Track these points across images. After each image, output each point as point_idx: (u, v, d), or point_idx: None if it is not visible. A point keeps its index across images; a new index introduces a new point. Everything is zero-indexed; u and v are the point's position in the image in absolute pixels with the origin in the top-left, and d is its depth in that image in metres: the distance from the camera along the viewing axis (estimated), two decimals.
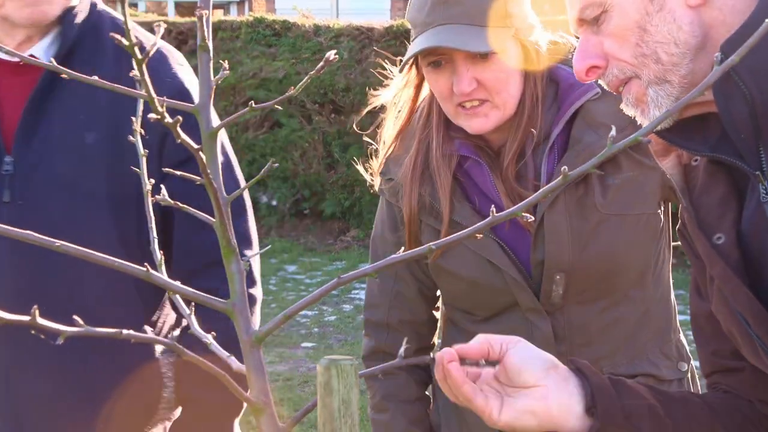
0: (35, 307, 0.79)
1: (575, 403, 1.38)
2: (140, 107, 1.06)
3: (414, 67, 2.01)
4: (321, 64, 0.79)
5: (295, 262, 9.39)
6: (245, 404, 0.97)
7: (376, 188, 2.13)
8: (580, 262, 1.91)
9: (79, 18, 1.93)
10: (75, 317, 0.87)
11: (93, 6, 1.99)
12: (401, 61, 1.99)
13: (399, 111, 2.07)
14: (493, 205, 1.94)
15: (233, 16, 17.84)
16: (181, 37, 10.62)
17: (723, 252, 1.35)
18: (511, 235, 1.95)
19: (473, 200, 1.98)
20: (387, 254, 2.02)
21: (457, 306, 2.09)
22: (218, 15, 14.35)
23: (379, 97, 2.10)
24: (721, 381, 1.51)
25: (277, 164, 0.81)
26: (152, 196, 0.98)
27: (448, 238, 0.95)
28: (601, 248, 1.92)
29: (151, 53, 0.79)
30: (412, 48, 1.90)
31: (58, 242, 0.79)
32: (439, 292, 2.16)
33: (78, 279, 1.90)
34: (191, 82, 2.01)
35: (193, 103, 2.11)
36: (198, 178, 0.85)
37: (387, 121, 2.09)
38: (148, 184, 0.96)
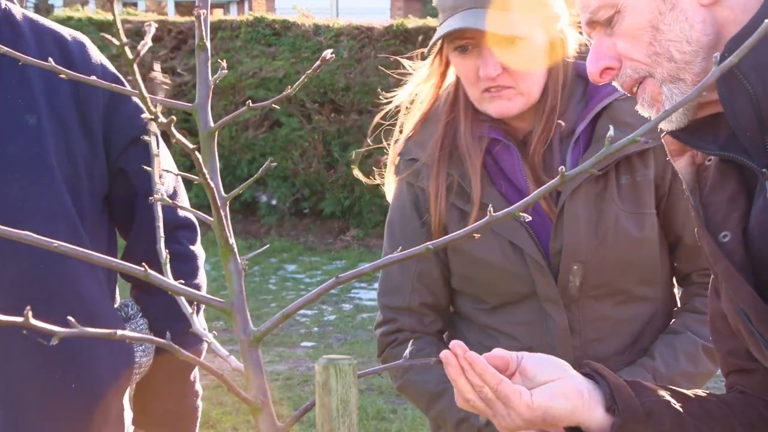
0: (28, 308, 0.79)
1: (596, 402, 1.39)
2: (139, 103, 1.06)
3: (438, 56, 2.04)
4: (317, 63, 0.79)
5: (294, 262, 9.39)
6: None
7: (387, 177, 2.12)
8: (597, 255, 1.95)
9: None
10: (69, 318, 0.87)
11: None
12: (422, 55, 2.03)
13: (422, 99, 2.09)
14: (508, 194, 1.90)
15: (233, 15, 17.84)
16: (180, 37, 10.62)
17: (728, 249, 1.35)
18: (532, 222, 1.97)
19: (499, 185, 2.00)
20: (408, 237, 2.04)
21: (468, 292, 2.08)
22: (218, 14, 14.35)
23: (399, 94, 2.11)
24: (737, 381, 1.52)
25: (275, 164, 0.81)
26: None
27: (444, 237, 0.95)
28: (618, 243, 1.95)
29: (143, 52, 0.79)
30: (441, 30, 1.93)
31: (56, 243, 0.79)
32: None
33: (56, 265, 1.92)
34: (112, 66, 2.07)
35: (124, 86, 2.13)
36: (195, 176, 0.85)
37: (412, 108, 2.10)
38: (158, 183, 0.96)
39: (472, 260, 2.01)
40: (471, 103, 2.01)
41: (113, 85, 0.84)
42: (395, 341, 2.12)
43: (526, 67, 1.93)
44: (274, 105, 0.84)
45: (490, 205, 0.93)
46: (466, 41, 1.93)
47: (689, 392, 1.49)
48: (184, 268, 2.08)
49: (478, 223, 0.92)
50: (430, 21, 10.52)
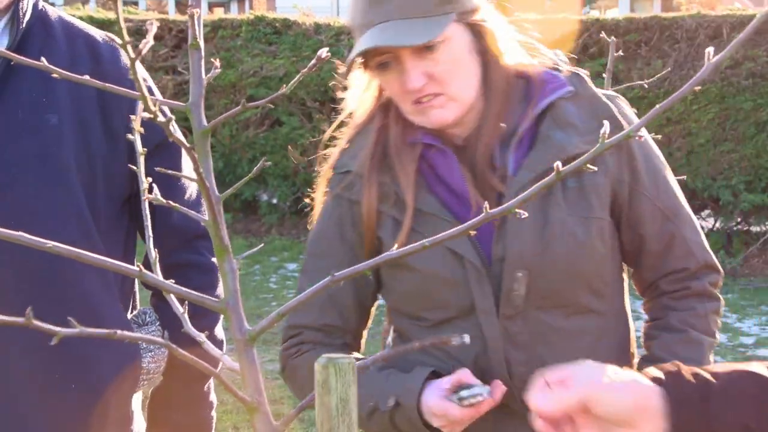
0: (30, 308, 0.79)
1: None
2: (140, 106, 1.06)
3: (367, 69, 1.95)
4: (313, 62, 0.79)
5: (295, 260, 9.39)
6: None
7: (318, 192, 2.03)
8: (543, 261, 1.83)
9: (26, 7, 1.97)
10: (69, 318, 0.87)
11: (36, 2, 2.02)
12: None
13: (358, 110, 2.01)
14: (452, 197, 1.79)
15: (234, 14, 17.83)
16: (181, 35, 10.62)
17: None
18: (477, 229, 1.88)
19: (436, 191, 1.90)
20: (336, 253, 1.94)
21: (404, 311, 1.97)
22: (218, 13, 14.33)
23: (347, 102, 2.04)
24: None
25: (269, 163, 0.81)
26: (135, 184, 0.98)
27: (442, 235, 0.95)
28: (564, 249, 1.84)
29: (144, 50, 0.79)
30: (354, 50, 1.85)
31: (50, 243, 0.79)
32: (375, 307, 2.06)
33: (63, 268, 1.92)
34: (144, 72, 2.06)
35: (154, 94, 2.14)
36: (189, 174, 0.85)
37: (349, 119, 2.02)
38: (145, 182, 0.96)
39: (414, 273, 1.89)
40: (402, 113, 1.92)
41: (108, 84, 0.84)
42: (297, 352, 2.01)
43: (451, 71, 1.83)
44: (274, 104, 0.84)
45: (486, 203, 0.93)
46: (384, 58, 1.84)
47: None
48: (204, 279, 2.06)
49: (476, 219, 0.92)
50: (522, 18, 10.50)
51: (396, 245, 1.78)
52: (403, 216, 1.89)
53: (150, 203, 2.01)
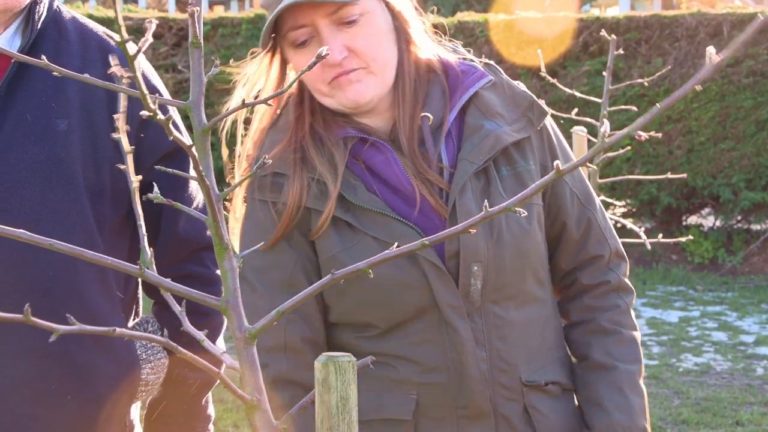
0: (27, 305, 0.80)
1: None
2: (122, 102, 1.05)
3: (272, 57, 1.86)
4: (313, 60, 0.79)
5: None
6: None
7: (236, 200, 1.90)
8: (494, 253, 1.80)
9: (42, 10, 1.96)
10: (68, 315, 0.87)
11: (51, 1, 2.02)
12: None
13: (263, 110, 1.91)
14: (391, 191, 1.76)
15: (234, 12, 17.82)
16: (181, 33, 10.61)
17: None
18: (419, 224, 1.81)
19: (372, 188, 1.81)
20: (288, 262, 1.81)
21: (352, 322, 1.85)
22: (219, 11, 14.32)
23: (233, 102, 1.91)
24: None
25: (270, 161, 0.81)
26: (141, 193, 0.98)
27: (440, 234, 0.95)
28: (512, 239, 1.82)
29: (143, 48, 0.79)
30: (269, 19, 1.74)
31: (50, 240, 0.79)
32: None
33: (59, 267, 1.91)
34: (155, 77, 2.07)
35: (161, 95, 2.13)
36: (188, 175, 0.85)
37: (253, 120, 1.91)
38: (135, 181, 0.96)
39: (361, 280, 1.75)
40: (317, 103, 1.84)
41: (107, 83, 0.84)
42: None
43: (373, 44, 1.78)
44: (273, 102, 0.84)
45: (485, 202, 0.93)
46: (300, 32, 1.77)
47: None
48: (208, 291, 2.04)
49: (477, 216, 0.92)
50: (430, 18, 10.50)
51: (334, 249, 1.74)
52: (340, 214, 1.79)
53: (158, 212, 2.01)
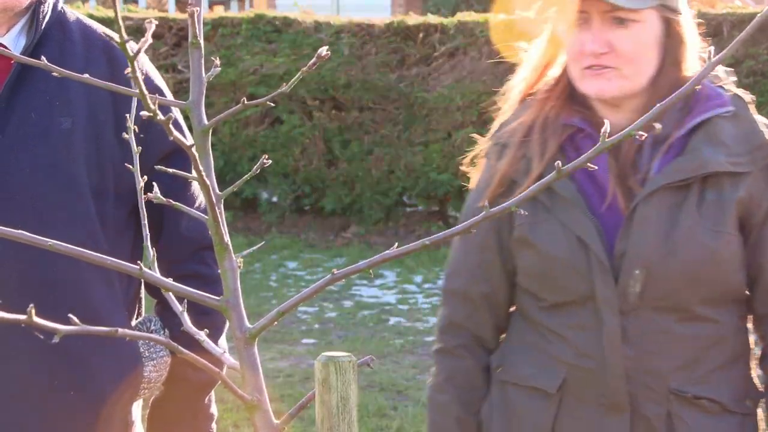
0: (31, 305, 0.80)
1: None
2: (134, 103, 1.06)
3: (549, 38, 2.04)
4: (313, 60, 0.79)
5: (295, 259, 9.39)
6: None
7: (478, 162, 2.10)
8: (663, 264, 1.89)
9: (46, 10, 1.97)
10: (70, 315, 0.87)
11: (56, 1, 2.03)
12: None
13: (521, 83, 2.08)
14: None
15: (234, 12, 17.83)
16: (181, 33, 10.61)
17: None
18: (606, 221, 1.94)
19: (575, 176, 1.96)
20: (479, 230, 2.03)
21: (529, 288, 2.03)
22: (219, 11, 14.32)
23: (512, 80, 2.11)
24: None
25: (269, 161, 0.81)
26: (144, 193, 0.98)
27: (442, 233, 0.95)
28: (688, 257, 1.90)
29: (143, 48, 0.79)
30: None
31: (50, 241, 0.79)
32: None
33: (64, 267, 1.91)
34: (159, 78, 2.08)
35: (163, 94, 2.14)
36: (189, 174, 0.85)
37: (512, 90, 2.10)
38: (141, 181, 0.96)
39: (537, 253, 1.96)
40: (568, 90, 1.99)
41: (107, 83, 0.84)
42: (449, 352, 2.10)
43: (634, 51, 1.91)
44: (274, 102, 0.84)
45: (486, 203, 0.93)
46: (579, 15, 1.92)
47: None
48: (207, 291, 2.04)
49: (477, 217, 0.92)
50: (430, 18, 10.52)
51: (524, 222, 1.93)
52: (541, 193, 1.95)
53: (160, 211, 2.01)
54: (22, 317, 0.78)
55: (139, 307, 2.13)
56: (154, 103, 0.82)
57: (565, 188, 1.93)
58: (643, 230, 1.90)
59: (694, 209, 1.90)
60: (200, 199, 2.07)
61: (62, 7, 2.02)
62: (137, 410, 2.10)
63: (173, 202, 0.88)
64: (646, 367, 1.92)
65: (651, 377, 1.92)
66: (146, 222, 1.00)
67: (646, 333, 1.92)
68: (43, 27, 1.94)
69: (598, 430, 1.96)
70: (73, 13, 2.04)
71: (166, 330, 2.05)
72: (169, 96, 2.07)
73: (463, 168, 2.13)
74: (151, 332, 2.06)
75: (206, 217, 0.87)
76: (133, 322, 2.07)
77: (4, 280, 1.88)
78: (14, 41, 1.95)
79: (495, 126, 2.09)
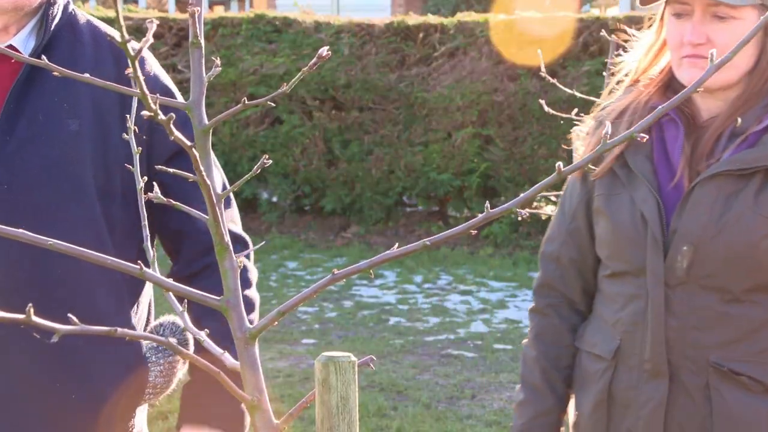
0: (30, 305, 0.79)
1: None
2: (134, 104, 1.06)
3: (660, 24, 2.15)
4: (314, 60, 0.79)
5: (295, 259, 9.39)
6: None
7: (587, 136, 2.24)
8: (709, 244, 1.99)
9: (56, 11, 1.98)
10: (69, 315, 0.87)
11: (67, 3, 2.04)
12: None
13: (630, 68, 2.21)
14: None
15: (234, 12, 17.83)
16: (181, 33, 10.62)
17: None
18: (669, 198, 2.06)
19: (654, 156, 2.09)
20: (576, 193, 2.19)
21: (599, 254, 2.18)
22: (219, 11, 14.32)
23: (624, 63, 2.24)
24: None
25: (270, 161, 0.81)
26: (144, 193, 0.97)
27: (443, 233, 0.95)
28: (737, 239, 1.98)
29: (144, 48, 0.79)
30: None
31: (51, 241, 0.79)
32: None
33: (68, 270, 1.91)
34: (167, 78, 2.08)
35: (175, 99, 2.14)
36: (190, 174, 0.85)
37: (617, 77, 2.23)
38: (141, 181, 0.96)
39: (608, 223, 2.11)
40: (668, 78, 2.12)
41: (109, 83, 0.84)
42: (539, 311, 2.27)
43: (730, 46, 1.98)
44: (274, 102, 0.84)
45: (487, 205, 0.93)
46: (683, 8, 2.03)
47: None
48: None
49: (476, 218, 0.92)
50: (430, 18, 10.52)
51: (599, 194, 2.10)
52: (617, 167, 2.10)
53: (159, 209, 2.01)
54: (21, 317, 0.78)
55: (149, 311, 2.12)
56: (154, 103, 0.82)
57: (640, 166, 2.07)
58: (696, 210, 2.01)
59: (751, 197, 1.99)
60: (218, 181, 2.08)
61: (73, 9, 2.03)
62: (142, 415, 2.09)
63: (173, 202, 0.88)
64: (688, 340, 2.01)
65: (692, 349, 2.02)
66: (145, 222, 1.00)
67: (690, 308, 2.02)
68: (52, 28, 1.95)
69: (641, 395, 2.07)
70: (83, 14, 2.04)
71: (177, 336, 2.04)
72: (179, 96, 2.07)
73: (566, 145, 2.33)
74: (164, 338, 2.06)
75: (206, 217, 0.87)
76: (147, 329, 2.07)
77: (7, 280, 1.88)
78: (24, 42, 1.96)
79: (601, 107, 2.26)
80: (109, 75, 1.93)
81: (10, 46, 1.94)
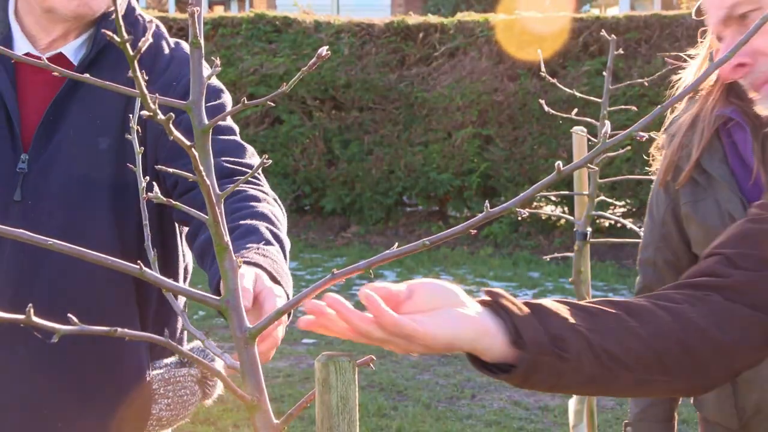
0: (30, 305, 0.79)
1: (498, 332, 1.23)
2: (137, 106, 1.06)
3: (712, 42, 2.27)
4: (313, 60, 0.79)
5: (295, 259, 9.40)
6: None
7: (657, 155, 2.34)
8: None
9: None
10: (69, 315, 0.87)
11: (131, 10, 2.01)
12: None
13: (690, 79, 2.26)
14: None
15: (234, 12, 17.83)
16: (181, 33, 10.61)
17: None
18: (750, 194, 2.14)
19: (730, 162, 2.17)
20: (662, 203, 2.30)
21: (698, 251, 2.24)
22: (219, 11, 14.33)
23: (684, 76, 2.29)
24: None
25: (270, 161, 0.81)
26: (145, 194, 0.97)
27: (443, 233, 0.95)
28: None
29: (143, 49, 0.79)
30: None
31: (51, 240, 0.79)
32: None
33: (74, 278, 1.90)
34: (214, 78, 2.06)
35: (221, 98, 2.14)
36: (190, 174, 0.85)
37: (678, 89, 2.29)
38: (143, 181, 0.96)
39: (699, 227, 2.21)
40: (727, 87, 2.16)
41: (111, 83, 0.84)
42: None
43: (762, 45, 2.05)
44: (274, 102, 0.84)
45: (487, 207, 0.93)
46: (732, 19, 2.13)
47: (593, 306, 1.33)
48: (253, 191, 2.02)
49: (476, 217, 0.92)
50: (430, 18, 10.52)
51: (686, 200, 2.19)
52: (701, 177, 2.19)
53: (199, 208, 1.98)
54: (21, 317, 0.78)
55: (170, 321, 2.09)
56: (154, 103, 0.82)
57: (719, 171, 2.17)
58: None
59: None
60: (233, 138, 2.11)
61: (139, 15, 2.01)
62: None
63: (173, 202, 0.88)
64: None
65: None
66: (147, 223, 1.00)
67: None
68: (106, 40, 1.92)
69: (763, 369, 2.10)
70: (143, 24, 2.02)
71: (206, 358, 1.99)
72: (226, 95, 2.08)
73: (650, 159, 2.41)
74: (189, 364, 2.03)
75: (206, 216, 0.87)
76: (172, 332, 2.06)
77: (10, 281, 1.88)
78: (76, 51, 1.95)
79: (668, 120, 2.33)
80: (159, 91, 1.89)
81: (60, 54, 1.94)
